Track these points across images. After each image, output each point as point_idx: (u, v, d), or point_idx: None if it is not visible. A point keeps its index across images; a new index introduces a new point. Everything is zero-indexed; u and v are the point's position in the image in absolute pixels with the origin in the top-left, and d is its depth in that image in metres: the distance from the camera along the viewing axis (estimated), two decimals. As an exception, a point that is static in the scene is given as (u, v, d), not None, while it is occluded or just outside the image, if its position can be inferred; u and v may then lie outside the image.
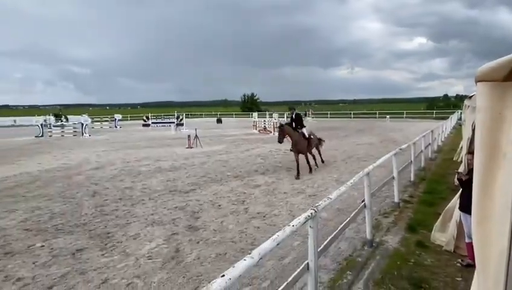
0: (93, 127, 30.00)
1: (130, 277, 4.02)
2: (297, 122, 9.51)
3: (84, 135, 23.86)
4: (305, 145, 9.35)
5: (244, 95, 72.22)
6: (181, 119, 30.87)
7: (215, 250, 4.71)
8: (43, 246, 4.91)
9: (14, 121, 42.44)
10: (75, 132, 24.46)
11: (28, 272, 4.16)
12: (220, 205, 6.71)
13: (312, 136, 9.91)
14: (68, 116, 34.17)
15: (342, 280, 3.88)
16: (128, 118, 50.44)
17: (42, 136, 23.65)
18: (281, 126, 9.22)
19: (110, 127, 33.73)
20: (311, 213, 2.83)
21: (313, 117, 43.83)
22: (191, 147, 15.76)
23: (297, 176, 8.79)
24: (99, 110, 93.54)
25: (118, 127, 33.33)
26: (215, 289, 1.73)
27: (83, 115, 29.42)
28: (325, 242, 3.53)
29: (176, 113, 34.26)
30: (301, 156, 9.28)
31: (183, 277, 3.99)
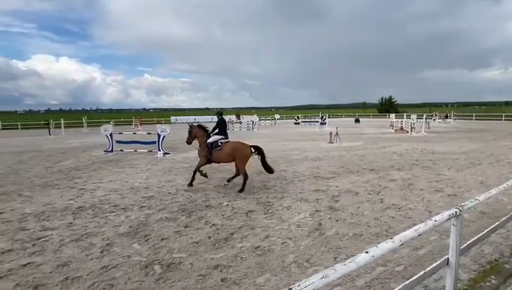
0: (260, 124, 32.88)
1: (284, 237, 4.27)
2: (218, 127, 7.36)
3: (254, 129, 26.43)
4: (202, 152, 7.03)
5: (382, 98, 65.81)
6: (324, 119, 30.56)
7: (352, 230, 4.50)
8: (227, 204, 5.73)
9: (212, 118, 50.54)
10: (248, 127, 27.42)
11: (218, 221, 4.93)
12: (356, 193, 6.35)
13: (221, 144, 6.97)
14: (243, 116, 38.47)
15: (484, 282, 3.11)
16: (284, 118, 53.11)
17: (228, 129, 27.45)
18: (191, 127, 7.39)
19: (271, 124, 36.37)
20: (456, 211, 2.36)
21: (454, 119, 36.56)
22: (332, 142, 15.44)
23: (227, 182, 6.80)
24: (264, 112, 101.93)
25: (277, 124, 35.70)
26: (360, 261, 1.65)
27: (253, 115, 32.66)
28: (468, 242, 2.90)
29: (320, 114, 34.17)
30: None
31: (324, 246, 3.98)
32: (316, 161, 10.17)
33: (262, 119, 42.98)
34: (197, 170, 7.01)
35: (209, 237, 4.30)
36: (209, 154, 6.91)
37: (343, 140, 16.19)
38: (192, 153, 12.40)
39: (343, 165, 9.34)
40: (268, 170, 6.81)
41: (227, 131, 7.48)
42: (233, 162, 6.76)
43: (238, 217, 5.05)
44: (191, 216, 5.13)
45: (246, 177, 6.61)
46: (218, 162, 6.96)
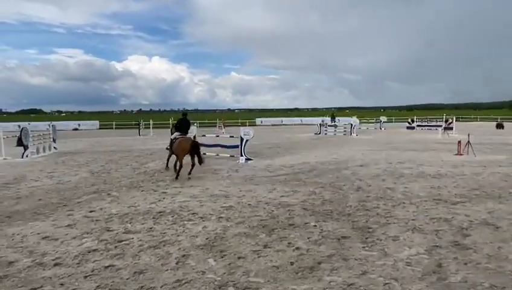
0: (360, 128, 31.42)
1: (388, 277, 3.87)
2: (179, 125, 10.33)
3: (352, 134, 25.35)
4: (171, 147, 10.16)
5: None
6: (450, 123, 27.15)
7: (489, 279, 3.78)
8: (315, 226, 5.56)
9: (301, 120, 50.90)
10: (344, 131, 26.48)
11: (303, 244, 4.82)
12: (497, 227, 5.34)
13: (174, 140, 9.95)
14: (339, 118, 37.32)
15: None
16: (393, 120, 49.45)
17: (319, 133, 27.05)
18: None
19: (375, 128, 34.30)
20: None
21: None
22: (461, 154, 13.50)
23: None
24: (368, 112, 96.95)
25: (383, 128, 33.46)
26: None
27: (353, 117, 31.38)
28: None
29: (444, 116, 30.44)
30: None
31: (446, 297, 3.44)
32: (437, 178, 9.06)
33: (364, 122, 41.04)
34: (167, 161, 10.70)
35: (292, 263, 4.23)
36: (171, 147, 10.06)
37: (478, 152, 13.99)
38: (277, 160, 12.63)
39: (477, 186, 8.05)
40: (200, 161, 9.52)
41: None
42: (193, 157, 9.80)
43: (327, 243, 4.84)
44: (271, 234, 5.16)
45: (180, 167, 9.32)
46: (176, 155, 9.67)
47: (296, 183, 8.70)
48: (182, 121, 10.36)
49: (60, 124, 36.55)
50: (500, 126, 33.72)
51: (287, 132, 31.78)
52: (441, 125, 26.94)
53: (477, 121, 49.40)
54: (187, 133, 10.41)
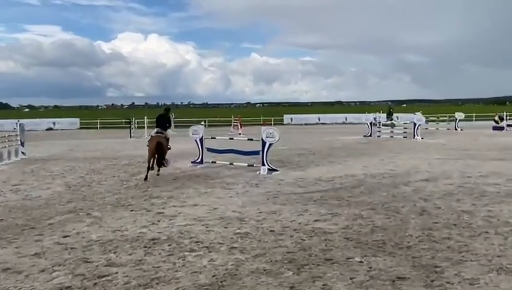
0: (427, 128, 30.81)
1: (462, 336, 3.73)
2: (157, 122, 12.68)
3: (416, 137, 24.86)
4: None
5: None
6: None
7: None
8: (361, 262, 5.46)
9: (345, 118, 50.49)
10: (405, 132, 26.03)
11: (345, 287, 4.73)
12: None
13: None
14: (398, 114, 36.67)
15: None
16: (473, 118, 48.16)
17: (370, 135, 26.72)
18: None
19: (448, 129, 33.58)
20: None
21: None
22: None
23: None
24: (436, 108, 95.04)
25: (459, 129, 32.77)
26: None
27: (416, 113, 30.79)
28: None
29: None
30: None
31: None
32: (535, 198, 8.73)
33: (433, 120, 40.17)
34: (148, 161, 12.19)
35: (328, 313, 4.16)
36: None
37: None
38: (311, 172, 12.57)
39: None
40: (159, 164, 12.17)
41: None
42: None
43: (378, 286, 4.73)
44: (301, 272, 5.11)
45: (147, 166, 11.88)
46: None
47: (337, 203, 8.61)
48: (160, 116, 12.66)
49: (30, 123, 38.01)
50: None
51: (326, 133, 31.58)
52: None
53: None
54: (165, 130, 12.57)
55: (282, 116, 52.56)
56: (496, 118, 34.30)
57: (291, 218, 7.49)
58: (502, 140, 23.02)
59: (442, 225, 6.96)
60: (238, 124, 35.06)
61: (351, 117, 49.79)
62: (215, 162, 14.24)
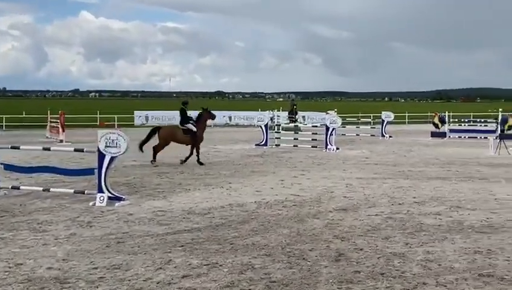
0: (344, 134, 32.58)
1: None
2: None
3: (329, 146, 25.90)
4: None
5: None
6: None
7: None
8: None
9: (229, 118, 51.37)
10: (314, 140, 27.12)
11: None
12: None
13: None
14: (305, 113, 38.24)
15: None
16: (406, 120, 52.24)
17: (265, 144, 27.26)
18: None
19: (372, 135, 35.64)
20: None
21: None
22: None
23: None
24: (357, 104, 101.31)
25: (387, 135, 34.71)
26: None
27: (329, 112, 32.44)
28: None
29: (500, 112, 32.62)
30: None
31: None
32: (486, 233, 9.63)
33: (351, 122, 42.61)
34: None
35: None
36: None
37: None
38: (177, 202, 12.41)
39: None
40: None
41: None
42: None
43: None
44: None
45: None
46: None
47: (216, 248, 8.51)
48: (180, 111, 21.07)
49: None
50: None
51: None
52: (493, 131, 28.82)
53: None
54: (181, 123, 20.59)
55: (133, 113, 51.79)
56: (436, 120, 36.55)
57: (145, 275, 7.19)
58: (443, 151, 25.22)
59: (365, 275, 7.15)
60: (60, 125, 33.48)
61: (238, 116, 50.93)
62: (18, 188, 13.29)
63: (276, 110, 34.85)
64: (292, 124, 33.21)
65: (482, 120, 42.38)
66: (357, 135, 35.43)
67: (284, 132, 28.87)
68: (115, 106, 71.50)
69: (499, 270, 7.48)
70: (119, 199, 12.22)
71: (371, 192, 13.75)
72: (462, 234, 9.51)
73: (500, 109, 35.19)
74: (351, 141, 31.32)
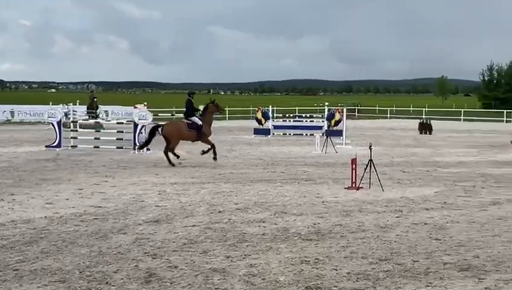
0: (141, 132, 32.75)
1: None
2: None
3: (137, 146, 25.83)
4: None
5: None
6: (337, 121, 31.18)
7: None
8: None
9: (11, 112, 49.43)
10: (120, 139, 26.87)
11: None
12: None
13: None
14: (108, 107, 37.72)
15: None
16: (227, 114, 53.27)
17: (59, 145, 26.55)
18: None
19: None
20: None
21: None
22: (358, 188, 15.72)
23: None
24: (169, 96, 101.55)
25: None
26: None
27: (138, 106, 32.32)
28: None
29: (326, 107, 34.80)
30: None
31: None
32: (313, 240, 10.25)
33: (164, 117, 42.91)
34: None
35: None
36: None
37: (388, 181, 16.57)
38: None
39: (387, 254, 9.39)
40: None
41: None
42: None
43: None
44: None
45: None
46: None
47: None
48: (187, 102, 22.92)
49: None
50: (425, 127, 40.90)
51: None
52: (320, 127, 30.52)
53: (387, 116, 58.45)
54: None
55: None
56: (259, 115, 37.90)
57: None
58: (267, 150, 26.21)
59: (181, 299, 7.43)
60: None
61: (23, 111, 49.06)
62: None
63: (71, 104, 34.10)
64: (92, 121, 32.67)
65: (308, 115, 44.30)
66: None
67: (82, 130, 28.30)
68: None
69: (327, 281, 8.07)
70: None
71: (188, 199, 14.08)
72: (288, 242, 10.10)
73: (327, 103, 37.49)
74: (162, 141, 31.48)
